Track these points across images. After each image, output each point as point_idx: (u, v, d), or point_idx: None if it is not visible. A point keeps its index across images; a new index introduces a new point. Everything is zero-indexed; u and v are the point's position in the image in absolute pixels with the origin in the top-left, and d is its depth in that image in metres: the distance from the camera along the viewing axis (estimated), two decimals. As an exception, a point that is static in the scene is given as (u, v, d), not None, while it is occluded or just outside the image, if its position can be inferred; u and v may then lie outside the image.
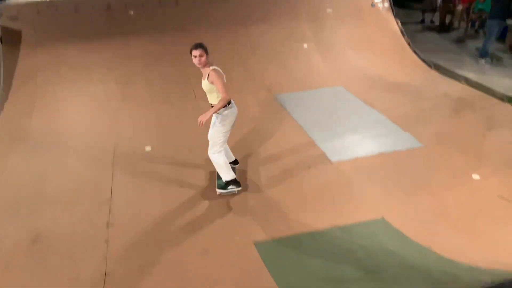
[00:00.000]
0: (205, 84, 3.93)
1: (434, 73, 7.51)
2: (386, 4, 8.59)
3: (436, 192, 4.24)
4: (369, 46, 7.93)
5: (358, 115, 5.97)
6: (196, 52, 3.81)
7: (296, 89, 6.96)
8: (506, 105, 6.17)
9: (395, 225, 3.78)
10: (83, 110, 6.29)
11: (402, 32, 8.31)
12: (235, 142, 5.33)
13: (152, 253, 3.56)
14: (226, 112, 3.95)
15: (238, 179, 4.34)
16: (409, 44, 8.11)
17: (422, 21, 11.09)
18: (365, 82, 7.11)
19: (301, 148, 5.17)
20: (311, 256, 3.51)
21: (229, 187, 4.28)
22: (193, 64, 3.91)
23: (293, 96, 6.69)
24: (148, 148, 5.21)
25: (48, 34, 7.04)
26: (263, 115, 6.15)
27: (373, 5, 8.49)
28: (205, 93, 4.02)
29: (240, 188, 4.32)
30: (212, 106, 3.96)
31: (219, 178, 4.32)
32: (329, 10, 8.19)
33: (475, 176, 4.43)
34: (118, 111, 6.24)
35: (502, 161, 4.69)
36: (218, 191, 4.30)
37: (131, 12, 7.50)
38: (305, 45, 7.83)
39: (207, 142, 4.20)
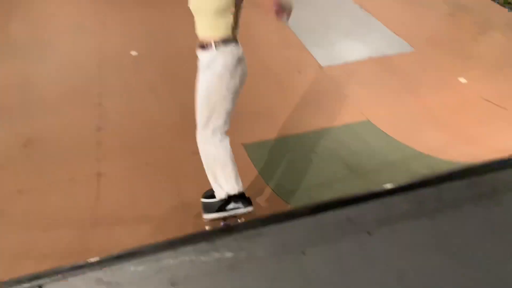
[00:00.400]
0: None
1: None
2: None
3: (422, 94, 4.30)
4: None
5: (350, 19, 5.79)
6: None
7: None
8: (501, 9, 5.99)
9: (379, 126, 3.88)
10: (64, 11, 5.97)
11: None
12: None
13: (144, 155, 3.65)
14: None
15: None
16: None
17: None
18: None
19: (291, 53, 5.08)
20: (298, 156, 3.65)
21: (230, 206, 2.54)
22: None
23: (284, 0, 6.39)
24: (134, 53, 5.07)
25: None
26: (252, 18, 5.90)
27: None
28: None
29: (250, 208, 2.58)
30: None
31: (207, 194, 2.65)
32: None
33: (462, 80, 4.45)
34: (103, 14, 5.95)
35: (491, 65, 4.69)
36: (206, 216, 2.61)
37: None
38: None
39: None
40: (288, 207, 3.12)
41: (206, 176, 2.62)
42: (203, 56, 2.40)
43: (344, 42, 5.29)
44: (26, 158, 3.63)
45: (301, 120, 4.03)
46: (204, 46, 2.36)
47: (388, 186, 1.99)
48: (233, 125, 4.01)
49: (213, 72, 2.34)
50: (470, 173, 2.01)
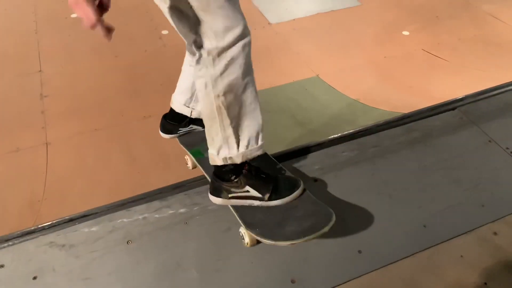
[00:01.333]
0: None
1: None
2: None
3: (368, 48, 4.42)
4: None
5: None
6: None
7: None
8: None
9: (328, 81, 3.98)
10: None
11: None
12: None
13: (92, 120, 3.56)
14: None
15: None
16: None
17: None
18: None
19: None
20: (250, 114, 3.69)
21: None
22: None
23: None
24: (74, 15, 4.78)
25: None
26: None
27: None
28: None
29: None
30: None
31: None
32: None
33: (405, 32, 4.60)
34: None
35: (432, 17, 4.86)
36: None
37: None
38: None
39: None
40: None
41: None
42: None
43: (293, -2, 5.26)
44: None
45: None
46: None
47: (331, 136, 2.10)
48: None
49: None
50: (405, 120, 2.16)
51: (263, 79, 4.03)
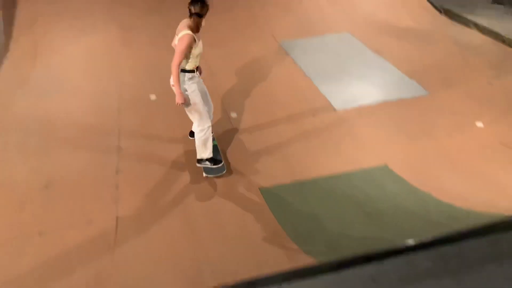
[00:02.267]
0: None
1: (444, 18, 7.28)
2: None
3: (439, 138, 4.30)
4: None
5: (363, 62, 5.89)
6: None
7: (301, 35, 6.81)
8: (513, 51, 6.05)
9: (397, 171, 3.87)
10: (84, 57, 6.21)
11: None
12: (239, 88, 5.34)
13: (162, 201, 3.69)
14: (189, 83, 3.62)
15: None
16: (418, -12, 7.80)
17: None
18: (372, 27, 6.94)
19: (306, 96, 5.16)
20: (314, 200, 3.64)
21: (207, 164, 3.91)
22: None
23: (298, 43, 6.57)
24: (153, 97, 5.20)
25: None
26: (268, 61, 6.08)
27: None
28: (199, 55, 3.63)
29: (222, 168, 3.98)
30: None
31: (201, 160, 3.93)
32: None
33: (479, 124, 4.45)
34: (121, 58, 6.17)
35: (507, 108, 4.69)
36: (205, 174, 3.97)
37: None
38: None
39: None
40: (302, 253, 3.09)
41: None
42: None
43: (358, 84, 5.37)
44: (46, 199, 3.69)
45: (317, 164, 4.05)
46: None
47: (410, 241, 1.97)
48: (249, 169, 4.08)
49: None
50: (492, 230, 1.99)
51: (328, 165, 4.03)
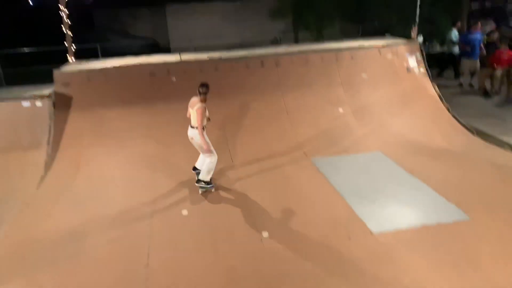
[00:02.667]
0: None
1: (477, 139, 7.29)
2: (422, 69, 8.63)
3: (486, 268, 3.98)
4: (407, 111, 7.88)
5: (398, 183, 5.81)
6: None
7: (333, 153, 6.94)
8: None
9: (443, 305, 3.52)
10: (123, 171, 6.49)
11: (440, 96, 8.25)
12: (271, 206, 5.30)
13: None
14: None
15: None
16: (448, 109, 8.00)
17: (461, 85, 11.00)
18: (404, 147, 7.00)
19: (340, 216, 5.04)
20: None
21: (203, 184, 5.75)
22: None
23: (330, 161, 6.65)
24: (185, 212, 5.23)
25: (96, 98, 7.45)
26: (300, 179, 6.12)
27: (408, 70, 8.54)
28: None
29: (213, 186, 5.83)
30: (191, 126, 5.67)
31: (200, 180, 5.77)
32: (364, 75, 8.30)
33: (530, 255, 4.12)
34: (157, 171, 6.41)
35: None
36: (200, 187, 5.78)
37: (174, 79, 7.87)
38: (341, 109, 7.89)
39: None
40: None
41: None
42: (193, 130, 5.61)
43: (394, 206, 5.23)
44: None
45: (355, 294, 3.76)
46: (193, 127, 5.59)
47: None
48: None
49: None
50: None
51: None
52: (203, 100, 5.46)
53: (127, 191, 5.84)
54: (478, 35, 10.56)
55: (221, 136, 7.11)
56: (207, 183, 5.72)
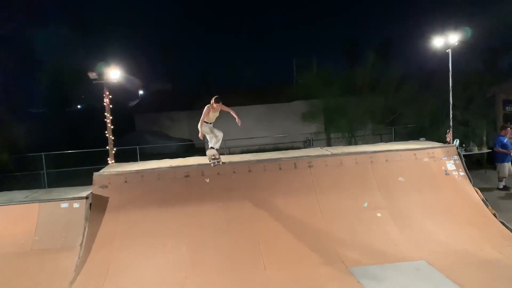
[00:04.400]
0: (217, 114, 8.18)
1: (532, 249, 6.68)
2: (462, 173, 8.34)
3: None
4: (449, 216, 7.46)
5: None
6: (220, 101, 7.92)
7: (372, 261, 6.49)
8: None
9: None
10: (153, 276, 6.27)
11: (484, 201, 7.82)
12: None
13: None
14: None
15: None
16: (494, 215, 7.52)
17: (505, 188, 10.48)
18: (450, 256, 6.48)
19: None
20: None
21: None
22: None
23: (370, 270, 6.20)
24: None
25: (131, 200, 7.57)
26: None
27: (447, 173, 8.30)
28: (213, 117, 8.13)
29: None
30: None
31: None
32: (401, 178, 8.11)
33: None
34: (188, 278, 6.14)
35: None
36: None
37: (207, 180, 7.98)
38: (379, 214, 7.57)
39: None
40: None
41: None
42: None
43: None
44: None
45: None
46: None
47: None
48: None
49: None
50: None
51: None
52: (211, 103, 7.87)
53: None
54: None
55: (253, 240, 6.88)
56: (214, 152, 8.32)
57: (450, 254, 6.57)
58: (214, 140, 8.26)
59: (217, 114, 8.07)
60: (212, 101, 7.83)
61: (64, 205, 7.14)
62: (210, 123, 8.11)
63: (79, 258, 6.53)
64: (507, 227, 7.22)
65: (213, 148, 8.25)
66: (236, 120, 8.03)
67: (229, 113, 8.09)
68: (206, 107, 7.86)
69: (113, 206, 7.45)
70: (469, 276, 5.81)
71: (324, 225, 7.35)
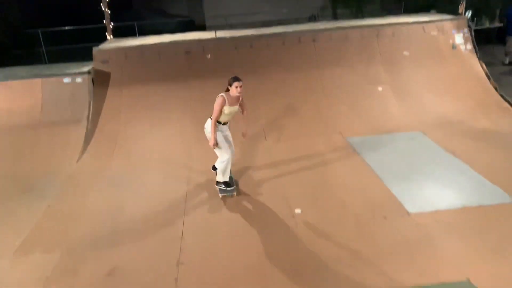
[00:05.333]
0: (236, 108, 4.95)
1: (525, 120, 6.87)
2: (469, 46, 8.14)
3: (534, 256, 3.76)
4: (451, 90, 7.50)
5: (438, 164, 5.58)
6: (240, 84, 4.73)
7: (370, 133, 6.74)
8: None
9: (482, 289, 3.38)
10: (159, 147, 6.60)
11: (487, 75, 7.78)
12: (305, 185, 5.24)
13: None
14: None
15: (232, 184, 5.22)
16: (495, 88, 7.55)
17: (511, 64, 10.33)
18: (446, 128, 6.69)
19: (376, 197, 4.91)
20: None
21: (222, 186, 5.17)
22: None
23: (367, 140, 6.47)
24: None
25: (133, 76, 7.56)
26: (335, 159, 6.00)
27: (454, 47, 8.10)
28: (230, 114, 4.93)
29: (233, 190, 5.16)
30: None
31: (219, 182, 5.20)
32: (405, 52, 7.94)
33: None
34: (192, 150, 6.47)
35: None
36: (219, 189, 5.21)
37: (208, 56, 7.86)
38: (380, 88, 7.62)
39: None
40: None
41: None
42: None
43: (433, 187, 5.03)
44: (107, 287, 3.70)
45: (390, 275, 3.66)
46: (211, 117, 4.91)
47: None
48: (313, 274, 3.78)
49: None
50: None
51: (402, 276, 3.63)
52: (226, 90, 4.85)
53: (164, 171, 5.93)
54: None
55: (255, 113, 7.05)
56: (226, 184, 5.14)
57: (446, 125, 6.78)
58: (218, 162, 5.10)
59: (235, 109, 4.92)
60: (231, 85, 4.77)
61: (67, 80, 7.17)
62: (224, 124, 4.99)
63: (87, 130, 6.80)
64: (505, 100, 7.32)
65: (223, 186, 5.17)
66: (242, 132, 5.29)
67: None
68: (219, 98, 4.75)
69: (115, 81, 7.48)
70: (462, 145, 6.07)
71: (325, 98, 7.46)
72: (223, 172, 5.08)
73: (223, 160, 4.99)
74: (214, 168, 5.35)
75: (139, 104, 7.28)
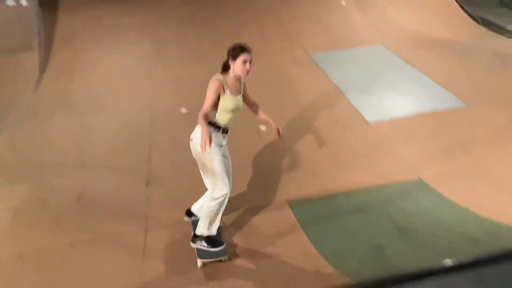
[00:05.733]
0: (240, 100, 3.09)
1: (482, 29, 7.02)
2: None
3: (477, 151, 4.12)
4: (413, 2, 7.47)
5: (397, 74, 5.76)
6: (249, 56, 2.97)
7: (333, 48, 6.75)
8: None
9: (432, 185, 3.72)
10: (119, 72, 6.38)
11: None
12: (268, 101, 5.29)
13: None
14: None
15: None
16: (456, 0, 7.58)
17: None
18: (406, 39, 6.78)
19: (337, 109, 5.08)
20: (345, 215, 3.54)
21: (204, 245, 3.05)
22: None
23: (330, 55, 6.50)
24: (184, 110, 5.23)
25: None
26: (298, 75, 6.05)
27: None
28: (233, 112, 3.03)
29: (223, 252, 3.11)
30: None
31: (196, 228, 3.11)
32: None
33: (520, 137, 4.23)
34: (154, 72, 6.31)
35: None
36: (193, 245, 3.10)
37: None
38: (343, 2, 7.50)
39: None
40: (332, 270, 2.97)
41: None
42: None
43: (391, 97, 5.24)
44: (79, 212, 3.75)
45: (348, 177, 3.95)
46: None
47: (449, 262, 1.85)
48: (277, 182, 4.02)
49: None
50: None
51: (360, 178, 3.93)
52: (223, 70, 3.09)
53: (126, 94, 5.78)
54: None
55: (218, 31, 6.85)
56: (211, 242, 3.06)
57: (407, 37, 6.86)
58: (218, 191, 2.97)
59: (240, 102, 3.16)
60: (235, 58, 3.01)
61: (11, 2, 6.60)
62: (224, 131, 3.13)
63: (40, 58, 6.45)
64: (464, 10, 7.39)
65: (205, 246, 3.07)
66: (272, 126, 3.49)
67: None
68: (212, 81, 3.00)
69: (66, 3, 6.99)
70: (420, 56, 6.21)
71: (287, 13, 7.31)
72: (212, 220, 3.01)
73: (217, 196, 2.95)
74: (190, 214, 3.42)
75: (94, 27, 6.92)
